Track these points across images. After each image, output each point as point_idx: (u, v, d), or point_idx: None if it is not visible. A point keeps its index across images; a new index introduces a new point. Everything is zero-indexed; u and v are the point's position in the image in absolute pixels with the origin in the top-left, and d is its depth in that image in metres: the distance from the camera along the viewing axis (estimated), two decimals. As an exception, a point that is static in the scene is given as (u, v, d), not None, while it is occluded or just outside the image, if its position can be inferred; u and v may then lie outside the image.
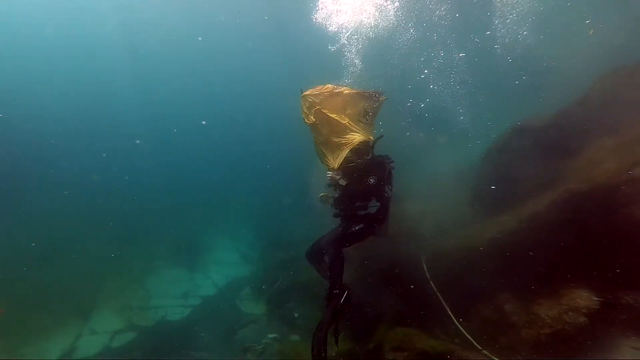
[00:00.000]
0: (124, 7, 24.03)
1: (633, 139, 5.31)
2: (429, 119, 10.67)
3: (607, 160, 5.13)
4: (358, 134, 4.83)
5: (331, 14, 8.31)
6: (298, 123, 5.19)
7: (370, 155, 4.87)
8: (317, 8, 8.39)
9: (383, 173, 4.77)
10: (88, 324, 9.46)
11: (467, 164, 8.90)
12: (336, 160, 4.81)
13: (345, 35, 8.16)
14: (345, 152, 4.76)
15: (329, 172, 4.92)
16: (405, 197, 7.09)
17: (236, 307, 10.40)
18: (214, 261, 13.84)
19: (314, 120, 4.81)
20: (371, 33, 8.47)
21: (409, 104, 9.99)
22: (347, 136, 4.80)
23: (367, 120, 5.08)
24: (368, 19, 8.48)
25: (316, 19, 8.46)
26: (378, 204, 4.91)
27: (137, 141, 26.08)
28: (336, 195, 5.06)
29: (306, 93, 4.86)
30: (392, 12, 9.03)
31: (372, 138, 5.01)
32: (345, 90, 4.93)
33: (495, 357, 4.62)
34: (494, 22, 10.46)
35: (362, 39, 8.20)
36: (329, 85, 4.90)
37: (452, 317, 5.42)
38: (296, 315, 8.69)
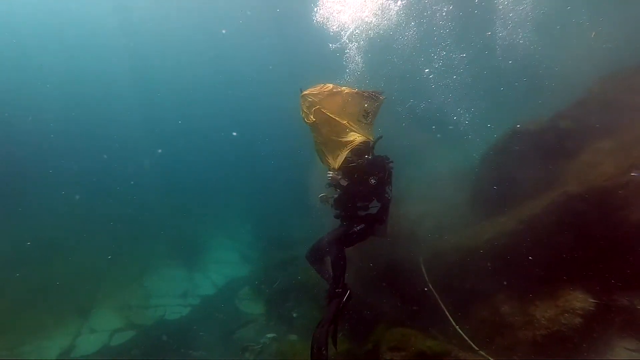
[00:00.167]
0: (123, 7, 24.05)
1: (630, 141, 5.35)
2: (429, 120, 10.69)
3: (604, 163, 5.17)
4: (358, 134, 4.82)
5: (332, 13, 8.33)
6: (298, 123, 5.16)
7: (370, 155, 4.88)
8: (317, 7, 8.41)
9: (383, 173, 4.78)
10: (87, 322, 9.49)
11: (466, 165, 8.94)
12: (337, 161, 4.80)
13: (347, 34, 8.17)
14: (345, 153, 4.75)
15: (329, 172, 4.93)
16: (404, 198, 7.12)
17: (235, 306, 10.41)
18: (213, 261, 13.86)
19: (314, 120, 4.77)
20: (372, 32, 8.49)
21: (407, 105, 9.99)
22: (348, 136, 4.79)
23: (367, 120, 5.07)
24: (368, 17, 8.50)
25: (317, 17, 8.48)
26: (378, 204, 4.94)
27: (159, 150, 25.91)
28: (336, 195, 5.08)
29: (306, 92, 4.83)
30: (394, 12, 9.05)
31: (372, 138, 5.01)
32: (345, 90, 4.91)
33: (492, 357, 4.65)
34: (495, 23, 10.50)
35: (363, 37, 8.20)
36: (329, 85, 4.88)
37: (450, 317, 5.45)
38: (295, 315, 8.71)
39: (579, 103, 7.13)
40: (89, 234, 13.40)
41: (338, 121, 4.76)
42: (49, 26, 24.49)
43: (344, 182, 4.78)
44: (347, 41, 8.08)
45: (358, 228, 4.89)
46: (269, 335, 8.30)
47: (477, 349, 4.87)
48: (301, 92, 4.88)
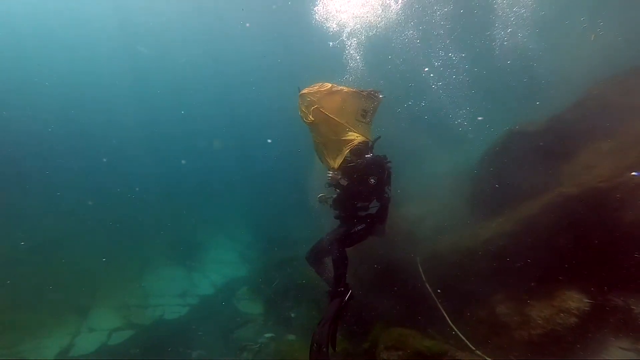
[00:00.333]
0: (123, 8, 24.07)
1: (626, 143, 5.40)
2: (428, 119, 10.74)
3: (600, 165, 5.22)
4: (357, 134, 4.82)
5: (331, 12, 8.35)
6: (297, 122, 5.14)
7: (370, 155, 4.90)
8: (316, 6, 8.43)
9: (383, 173, 4.80)
10: (86, 321, 9.51)
11: (464, 166, 8.98)
12: (336, 161, 4.80)
13: (346, 32, 8.18)
14: (345, 152, 4.76)
15: (329, 172, 4.95)
16: (402, 198, 7.15)
17: (234, 306, 10.43)
18: (212, 260, 13.90)
19: (313, 119, 4.74)
20: (372, 31, 8.50)
21: (405, 105, 10.03)
22: (347, 136, 4.78)
23: (365, 119, 5.05)
24: (368, 16, 8.52)
25: (316, 16, 8.50)
26: (378, 204, 4.97)
27: (183, 161, 25.73)
28: (335, 195, 5.09)
29: (304, 91, 4.80)
30: (393, 11, 9.08)
31: (370, 138, 5.02)
32: (344, 89, 4.89)
33: (489, 357, 4.68)
34: (494, 24, 10.53)
35: (363, 35, 8.21)
36: (327, 84, 4.84)
37: (447, 317, 5.48)
38: (293, 315, 8.74)
39: (576, 105, 7.18)
40: (88, 234, 13.42)
41: (337, 121, 4.74)
42: (47, 25, 24.46)
43: (343, 182, 4.78)
44: (346, 39, 8.10)
45: (359, 228, 4.91)
46: (267, 335, 8.32)
47: (474, 348, 4.89)
48: (299, 91, 4.85)
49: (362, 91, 5.02)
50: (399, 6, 9.27)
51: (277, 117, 19.42)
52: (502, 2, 10.05)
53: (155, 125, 30.19)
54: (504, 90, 12.46)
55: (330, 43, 8.34)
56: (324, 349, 3.73)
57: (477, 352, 4.84)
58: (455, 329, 5.25)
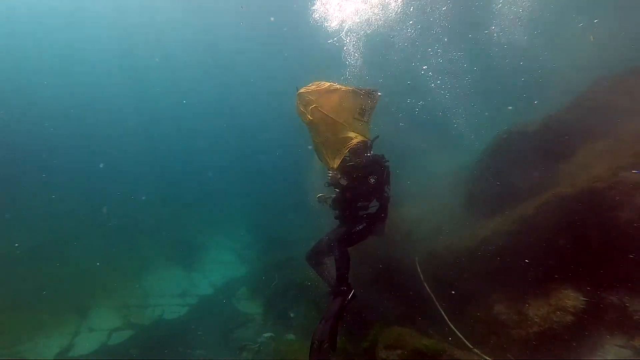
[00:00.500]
0: (122, 8, 24.05)
1: (622, 143, 5.46)
2: (425, 119, 10.78)
3: (595, 165, 5.27)
4: (356, 133, 4.81)
5: (329, 11, 8.35)
6: (295, 122, 5.12)
7: (369, 154, 4.90)
8: (314, 4, 8.44)
9: (382, 173, 4.83)
10: (86, 322, 9.52)
11: (462, 166, 9.03)
12: (335, 160, 4.80)
13: (345, 29, 8.19)
14: (344, 152, 4.75)
15: (329, 172, 4.96)
16: (400, 198, 7.18)
17: (233, 306, 10.45)
18: (211, 261, 13.91)
19: (311, 118, 4.70)
20: (369, 29, 8.52)
21: (403, 105, 10.06)
22: (346, 135, 4.75)
23: (363, 118, 5.01)
24: (366, 14, 8.53)
25: (315, 15, 8.51)
26: (377, 203, 5.00)
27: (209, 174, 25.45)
28: (334, 195, 5.12)
29: (302, 90, 4.74)
30: (392, 9, 9.10)
31: (369, 137, 5.02)
32: (342, 88, 4.84)
33: (487, 355, 4.72)
34: (491, 25, 10.58)
35: (362, 31, 8.21)
36: (325, 82, 4.80)
37: (445, 317, 5.51)
38: (292, 315, 8.77)
39: (573, 105, 7.24)
40: (88, 235, 13.43)
41: (335, 120, 4.69)
42: (45, 24, 24.39)
43: (343, 182, 4.80)
44: (345, 36, 8.10)
45: (359, 227, 4.93)
46: (266, 335, 8.34)
47: (472, 347, 4.92)
48: (297, 90, 4.80)
49: (360, 89, 4.97)
50: (398, 4, 9.30)
51: (276, 117, 19.44)
52: (500, 1, 10.11)
53: (154, 125, 30.15)
54: (501, 90, 12.52)
55: (329, 40, 8.35)
56: (325, 346, 3.70)
57: (475, 350, 4.87)
58: (454, 328, 5.28)
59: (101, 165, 19.68)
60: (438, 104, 10.15)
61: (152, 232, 15.17)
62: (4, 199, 14.77)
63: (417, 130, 10.24)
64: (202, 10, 24.49)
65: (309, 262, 5.06)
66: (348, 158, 4.80)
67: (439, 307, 5.66)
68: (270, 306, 9.65)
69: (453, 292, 5.71)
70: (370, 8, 8.72)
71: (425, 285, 6.06)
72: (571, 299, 4.54)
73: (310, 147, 5.25)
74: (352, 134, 4.77)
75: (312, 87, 4.75)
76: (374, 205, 5.03)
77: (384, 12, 9.00)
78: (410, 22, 9.81)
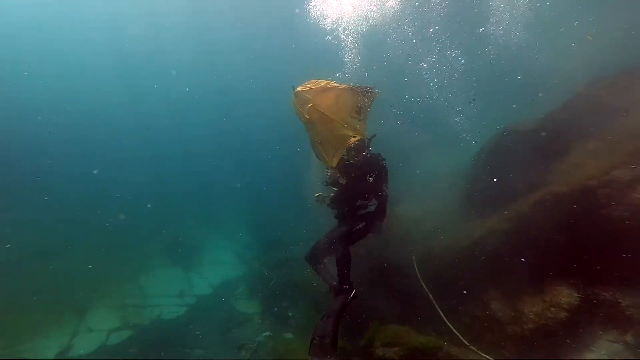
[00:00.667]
0: (118, 6, 24.00)
1: (615, 142, 5.53)
2: (422, 118, 10.81)
3: (589, 163, 5.35)
4: (354, 132, 4.83)
5: (326, 9, 8.38)
6: (293, 121, 5.12)
7: (367, 153, 4.93)
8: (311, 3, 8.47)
9: (380, 171, 4.87)
10: (84, 322, 9.52)
11: (459, 165, 9.09)
12: (333, 159, 4.84)
13: (343, 23, 8.20)
14: (341, 151, 4.80)
15: (327, 171, 4.99)
16: (397, 197, 7.24)
17: (231, 306, 10.45)
18: (209, 261, 13.91)
19: (309, 117, 4.68)
20: (365, 28, 8.55)
21: (400, 104, 10.08)
22: (343, 134, 4.78)
23: (360, 116, 5.01)
24: (363, 12, 8.56)
25: (312, 13, 8.53)
26: (376, 202, 5.04)
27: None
28: (332, 194, 5.15)
29: (299, 89, 4.70)
30: (389, 7, 9.13)
31: (366, 135, 5.06)
32: (338, 86, 4.84)
33: (483, 352, 4.77)
34: (488, 24, 10.63)
35: (358, 31, 8.23)
36: (321, 81, 4.78)
37: (442, 314, 5.56)
38: (290, 314, 8.79)
39: (567, 105, 7.33)
40: (86, 235, 13.43)
41: (333, 119, 4.70)
42: (40, 24, 24.29)
43: (342, 181, 4.85)
44: (342, 33, 8.13)
45: (360, 226, 4.98)
46: (264, 334, 8.36)
47: (468, 344, 4.97)
48: (294, 89, 4.77)
49: (356, 87, 4.98)
50: (396, 2, 9.33)
51: (273, 116, 19.43)
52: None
53: (151, 126, 30.10)
54: (498, 89, 12.58)
55: (327, 37, 8.37)
56: (327, 341, 3.71)
57: (472, 347, 4.92)
58: (450, 326, 5.32)
59: (95, 172, 19.50)
60: (435, 102, 10.19)
61: (151, 233, 15.17)
62: (3, 200, 14.75)
63: (415, 129, 10.27)
64: (199, 9, 24.44)
65: (309, 262, 5.08)
66: (346, 157, 4.85)
67: (436, 305, 5.69)
68: (268, 306, 9.67)
69: (449, 290, 5.77)
70: (369, 5, 8.75)
71: (423, 283, 6.11)
72: (565, 295, 4.61)
73: (308, 146, 5.29)
74: (349, 133, 4.80)
75: (309, 85, 4.72)
76: (372, 204, 5.08)
77: (380, 10, 9.04)
78: (407, 20, 9.85)
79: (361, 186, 4.84)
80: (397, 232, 7.08)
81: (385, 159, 5.05)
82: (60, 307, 9.67)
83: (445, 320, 5.44)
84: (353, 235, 4.94)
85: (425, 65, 10.07)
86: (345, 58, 7.89)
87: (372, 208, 5.10)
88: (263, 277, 11.11)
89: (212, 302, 10.92)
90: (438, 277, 6.08)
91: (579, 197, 4.90)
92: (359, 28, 8.38)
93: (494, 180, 6.89)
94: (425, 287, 6.05)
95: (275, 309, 9.24)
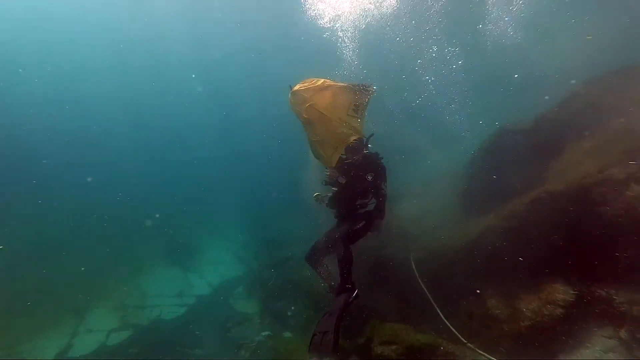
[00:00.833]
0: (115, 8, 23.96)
1: (610, 140, 5.59)
2: (421, 120, 10.85)
3: (584, 162, 5.41)
4: (352, 131, 4.84)
5: (323, 7, 8.39)
6: (290, 121, 5.14)
7: (365, 152, 4.96)
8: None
9: (378, 170, 4.90)
10: (84, 322, 9.54)
11: (456, 164, 9.13)
12: (332, 159, 4.87)
13: (339, 23, 8.22)
14: (340, 150, 4.82)
15: (326, 170, 5.01)
16: (395, 196, 7.29)
17: (230, 305, 10.48)
18: (208, 261, 13.94)
19: (307, 117, 4.69)
20: (363, 25, 8.57)
21: (398, 102, 10.12)
22: (341, 133, 4.78)
23: (357, 114, 5.00)
24: (360, 9, 8.57)
25: (309, 12, 8.54)
26: (375, 201, 5.07)
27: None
28: (330, 194, 5.18)
29: (296, 88, 4.70)
30: (387, 4, 9.15)
31: (364, 134, 5.08)
32: (335, 84, 4.82)
33: (480, 349, 4.82)
34: (486, 23, 10.67)
35: (355, 28, 8.25)
36: (319, 79, 4.77)
37: (439, 312, 5.60)
38: (289, 313, 8.81)
39: (562, 104, 7.39)
40: (85, 236, 13.44)
41: (331, 118, 4.69)
42: (37, 23, 24.20)
43: (342, 180, 4.88)
44: (340, 31, 8.14)
45: (360, 225, 5.01)
46: (263, 333, 8.39)
47: (466, 341, 5.01)
48: (291, 88, 4.77)
49: (354, 85, 4.95)
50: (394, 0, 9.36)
51: (271, 116, 19.43)
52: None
53: (149, 126, 30.05)
54: (496, 88, 12.63)
55: (324, 34, 8.38)
56: (328, 338, 3.66)
57: (469, 345, 4.96)
58: (448, 324, 5.36)
59: (89, 179, 19.32)
60: (433, 100, 10.22)
61: (150, 234, 15.16)
62: (3, 200, 14.74)
63: (412, 127, 10.31)
64: (196, 9, 24.39)
65: (309, 262, 5.11)
66: (345, 156, 4.87)
67: (434, 303, 5.72)
68: (267, 305, 9.70)
69: (447, 288, 5.82)
70: (368, 4, 8.77)
71: (421, 281, 6.15)
72: (561, 292, 4.65)
73: (306, 146, 5.30)
74: (347, 131, 4.81)
75: (306, 84, 4.72)
76: (371, 203, 5.11)
77: (378, 8, 9.07)
78: (404, 18, 9.88)
79: (361, 185, 4.87)
80: (395, 231, 7.12)
81: (383, 158, 5.08)
82: (60, 308, 9.69)
83: (443, 318, 5.48)
84: (354, 234, 4.97)
85: (420, 62, 10.08)
86: (343, 55, 7.91)
87: (371, 207, 5.14)
88: (262, 276, 11.12)
89: (212, 302, 10.95)
90: (436, 275, 6.12)
91: (574, 195, 4.95)
92: (357, 23, 8.40)
93: (494, 177, 6.92)
94: (423, 286, 6.09)
95: (275, 308, 9.27)
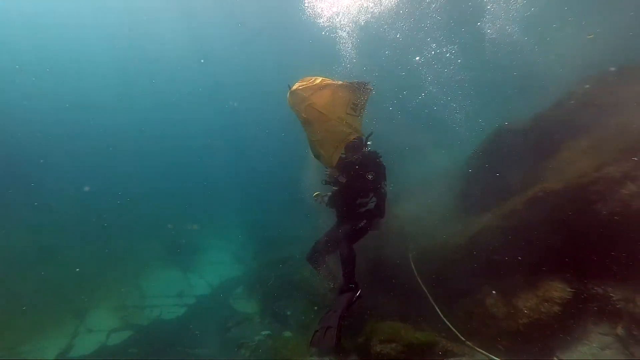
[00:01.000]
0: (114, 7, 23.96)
1: (606, 139, 5.62)
2: (420, 119, 10.85)
3: (581, 161, 5.44)
4: (351, 130, 4.85)
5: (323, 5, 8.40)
6: (289, 120, 5.14)
7: (365, 150, 4.98)
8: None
9: (378, 168, 4.92)
10: (84, 322, 9.57)
11: (455, 163, 9.15)
12: (332, 158, 4.86)
13: (338, 20, 8.22)
14: (340, 149, 4.83)
15: (327, 170, 5.02)
16: (394, 195, 7.30)
17: (230, 305, 10.51)
18: (207, 262, 13.96)
19: (306, 117, 4.66)
20: (362, 22, 8.57)
21: (395, 101, 10.12)
22: (341, 132, 4.78)
23: (356, 112, 4.97)
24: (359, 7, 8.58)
25: (307, 10, 8.55)
26: (375, 199, 5.08)
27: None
28: (330, 193, 5.19)
29: (294, 88, 4.65)
30: (386, 3, 9.15)
31: (363, 133, 5.08)
32: (333, 82, 4.79)
33: (478, 347, 4.84)
34: (484, 22, 10.67)
35: (354, 26, 8.25)
36: (317, 78, 4.74)
37: (438, 311, 5.62)
38: (289, 313, 8.84)
39: (559, 103, 7.42)
40: (85, 236, 13.45)
41: (330, 117, 4.67)
42: (36, 22, 24.22)
43: (342, 179, 4.89)
44: (339, 28, 8.15)
45: (362, 224, 5.03)
46: (263, 333, 8.41)
47: (464, 339, 5.04)
48: (289, 88, 4.72)
49: (352, 84, 4.92)
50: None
51: (270, 116, 19.45)
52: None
53: (148, 126, 30.04)
54: (493, 87, 12.63)
55: (323, 33, 8.39)
56: (330, 333, 3.66)
57: (468, 343, 4.98)
58: (447, 322, 5.38)
59: (86, 189, 19.21)
60: (432, 99, 10.22)
61: (149, 234, 15.19)
62: (2, 200, 14.75)
63: (411, 126, 10.30)
64: (194, 8, 24.41)
65: (310, 262, 5.14)
66: (344, 155, 4.88)
67: (432, 302, 5.75)
68: (267, 305, 9.72)
69: (445, 286, 5.84)
70: (366, 2, 8.78)
71: (419, 280, 6.17)
72: (558, 290, 4.68)
73: (305, 145, 5.31)
74: (347, 130, 4.81)
75: (304, 83, 4.68)
76: (371, 201, 5.12)
77: (376, 8, 9.08)
78: (403, 16, 9.88)
79: (361, 184, 4.88)
80: (393, 230, 7.14)
81: (381, 156, 5.09)
82: (61, 308, 9.72)
83: (442, 317, 5.50)
84: (357, 232, 4.98)
85: (418, 58, 10.07)
86: (342, 53, 7.92)
87: (371, 205, 5.15)
88: (262, 276, 11.14)
89: (211, 302, 10.99)
90: (434, 274, 6.15)
91: (571, 193, 4.98)
92: (355, 19, 8.40)
93: (497, 174, 6.95)
94: (421, 284, 6.12)
95: (274, 308, 9.30)
